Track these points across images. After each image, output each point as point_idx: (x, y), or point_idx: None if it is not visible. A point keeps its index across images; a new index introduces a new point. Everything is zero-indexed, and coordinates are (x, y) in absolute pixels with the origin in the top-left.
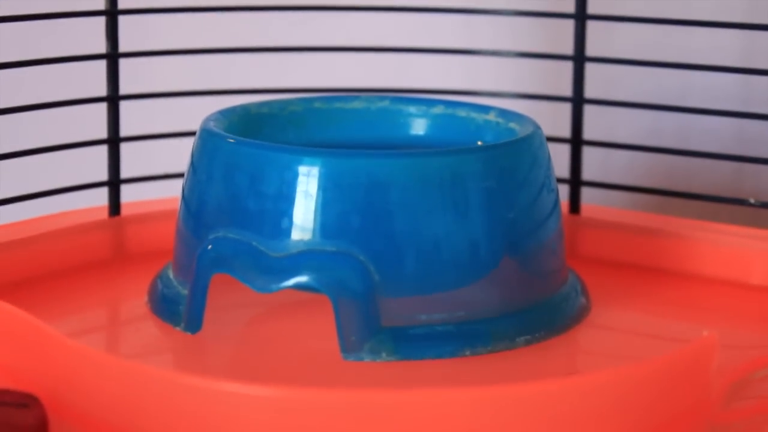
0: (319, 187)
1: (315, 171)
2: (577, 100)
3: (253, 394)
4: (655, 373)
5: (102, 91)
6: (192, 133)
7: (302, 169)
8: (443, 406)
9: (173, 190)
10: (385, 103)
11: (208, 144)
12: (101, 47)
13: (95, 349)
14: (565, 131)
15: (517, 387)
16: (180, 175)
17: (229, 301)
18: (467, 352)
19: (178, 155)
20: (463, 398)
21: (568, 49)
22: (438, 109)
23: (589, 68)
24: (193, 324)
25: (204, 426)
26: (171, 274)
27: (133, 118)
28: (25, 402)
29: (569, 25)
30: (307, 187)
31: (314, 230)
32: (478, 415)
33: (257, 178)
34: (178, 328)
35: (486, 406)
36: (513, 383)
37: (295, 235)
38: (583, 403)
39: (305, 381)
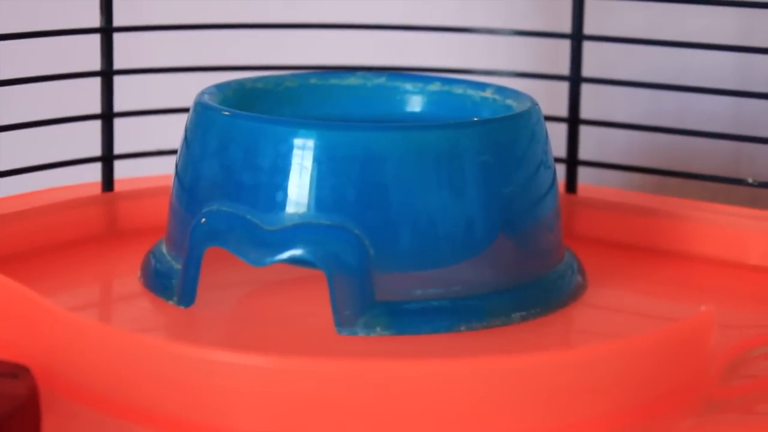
0: (315, 160)
1: (310, 144)
2: (575, 79)
3: (245, 364)
4: (652, 347)
5: (96, 65)
6: (186, 110)
7: (297, 142)
8: (437, 377)
9: (167, 168)
10: (382, 80)
11: (203, 117)
12: (96, 21)
13: (87, 319)
14: (563, 110)
15: (511, 359)
16: (173, 152)
17: (222, 278)
18: (463, 328)
19: (172, 132)
20: (457, 370)
21: (566, 28)
22: (435, 86)
23: (587, 49)
24: (186, 298)
25: (196, 396)
26: (164, 249)
27: (127, 93)
28: (16, 372)
29: (567, 4)
30: (303, 160)
31: (309, 204)
32: (472, 386)
33: (252, 151)
34: (170, 302)
35: (480, 378)
36: (507, 356)
37: (290, 208)
38: (579, 376)
39: (298, 353)
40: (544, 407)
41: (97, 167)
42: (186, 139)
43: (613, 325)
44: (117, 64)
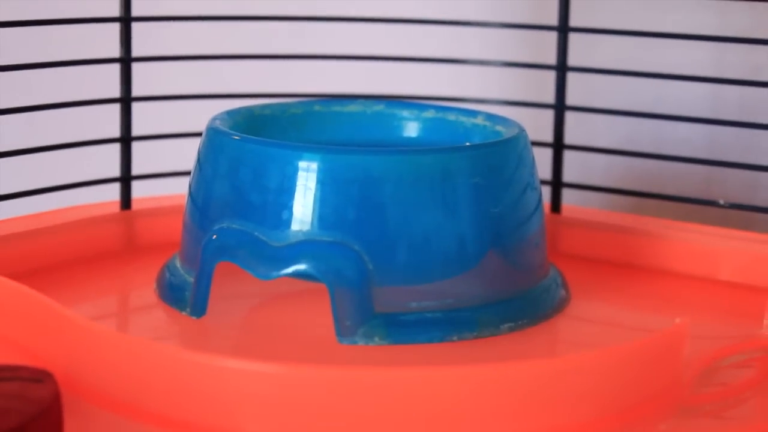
0: (318, 182)
1: (314, 166)
2: (560, 107)
3: (253, 370)
4: (630, 357)
5: (116, 92)
6: (199, 134)
7: (302, 165)
8: (431, 384)
9: (181, 188)
10: (380, 107)
11: (214, 141)
12: (116, 52)
13: (106, 328)
14: (548, 136)
15: (500, 367)
16: (187, 173)
17: (231, 291)
18: (455, 338)
19: (186, 154)
20: (450, 377)
21: (551, 59)
22: (429, 113)
23: (571, 79)
24: (199, 309)
25: (207, 400)
26: (178, 263)
27: (144, 118)
28: (40, 377)
29: (552, 36)
30: (307, 181)
31: (312, 222)
32: (464, 392)
33: (260, 172)
34: (184, 313)
35: (471, 384)
36: (496, 364)
37: (295, 226)
38: (561, 383)
39: (302, 360)
40: (530, 412)
41: (116, 187)
42: (199, 161)
43: (595, 336)
44: (135, 92)
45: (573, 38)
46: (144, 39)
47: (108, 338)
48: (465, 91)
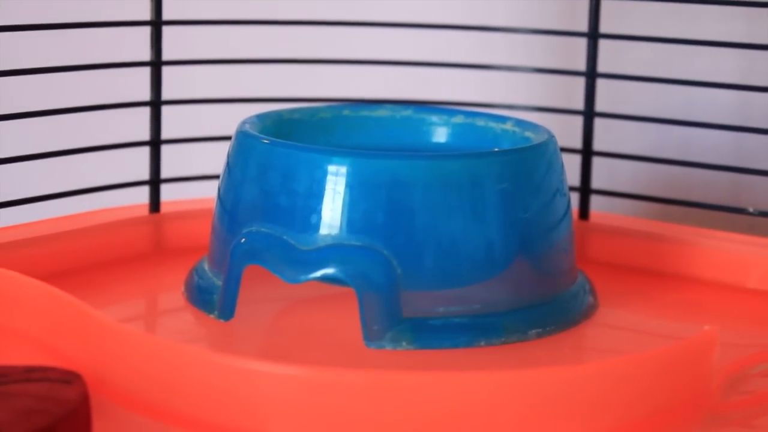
0: (347, 186)
1: (343, 170)
2: (589, 114)
3: (281, 374)
4: (658, 364)
5: (146, 96)
6: (228, 138)
7: (331, 169)
8: (458, 389)
9: (209, 191)
10: (409, 112)
11: (244, 145)
12: (146, 55)
13: (135, 330)
14: (576, 143)
15: (527, 373)
16: (216, 177)
17: (259, 294)
18: (482, 343)
19: (215, 158)
20: (477, 382)
21: (581, 65)
22: (458, 119)
23: (600, 86)
24: (227, 312)
25: (234, 402)
26: (206, 267)
27: (173, 122)
28: (69, 378)
29: (582, 43)
30: (335, 185)
31: (341, 226)
32: (491, 398)
33: (289, 176)
34: (212, 316)
35: (498, 390)
36: (523, 370)
37: (324, 230)
38: (590, 390)
39: (330, 364)
40: (557, 418)
41: (145, 190)
42: (228, 164)
43: (622, 343)
44: (165, 95)
45: (602, 45)
46: (174, 42)
47: (136, 340)
48: (494, 97)
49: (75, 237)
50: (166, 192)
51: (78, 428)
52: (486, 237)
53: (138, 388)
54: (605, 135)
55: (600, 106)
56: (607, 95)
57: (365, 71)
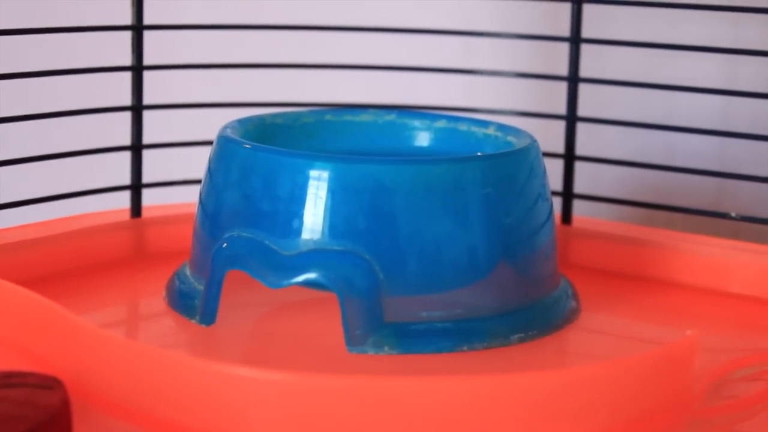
0: (329, 190)
1: (325, 175)
2: (571, 118)
3: (262, 379)
4: (640, 369)
5: (127, 101)
6: (210, 143)
7: (313, 173)
8: (440, 394)
9: (191, 196)
10: (392, 117)
11: (225, 149)
12: (127, 60)
13: (116, 335)
14: (559, 147)
15: (510, 377)
16: (197, 182)
17: (241, 299)
18: (465, 348)
19: (197, 163)
20: (460, 387)
21: (563, 70)
22: (441, 123)
23: (582, 90)
24: (208, 317)
25: (216, 407)
26: (188, 272)
27: (155, 126)
28: (50, 384)
29: (564, 47)
30: (318, 190)
31: (323, 230)
32: (473, 403)
33: (271, 181)
34: (193, 321)
35: (480, 394)
36: (506, 374)
37: (305, 234)
38: (571, 395)
39: (312, 369)
40: (539, 423)
41: (127, 195)
42: (209, 169)
43: (605, 347)
44: (146, 100)
45: (585, 49)
46: (155, 47)
47: (117, 345)
48: (477, 102)
49: (56, 242)
50: (148, 197)
51: None
52: (468, 242)
53: (119, 393)
54: (588, 140)
55: (583, 110)
56: (590, 100)
57: (348, 76)
